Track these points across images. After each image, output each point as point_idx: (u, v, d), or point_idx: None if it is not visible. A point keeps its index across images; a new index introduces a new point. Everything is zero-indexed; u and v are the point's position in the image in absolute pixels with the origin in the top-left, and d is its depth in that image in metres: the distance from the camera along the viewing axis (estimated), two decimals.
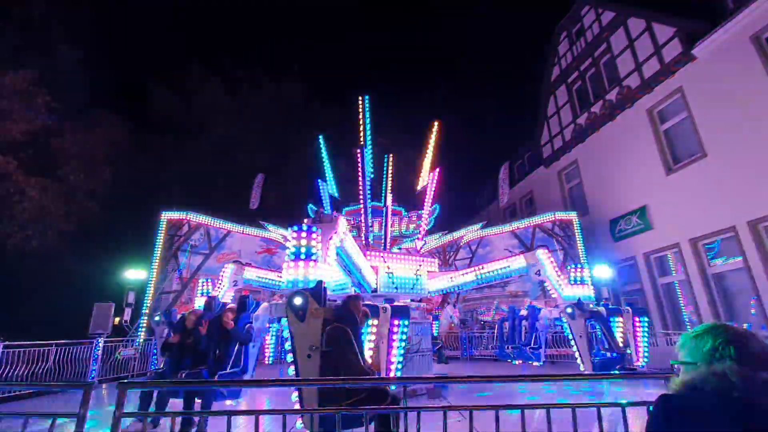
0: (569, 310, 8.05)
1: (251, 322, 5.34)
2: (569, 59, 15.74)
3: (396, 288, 8.13)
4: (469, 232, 15.54)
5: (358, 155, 8.49)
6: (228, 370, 4.94)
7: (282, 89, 26.36)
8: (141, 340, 10.92)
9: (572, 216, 13.95)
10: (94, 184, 17.51)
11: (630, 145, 12.66)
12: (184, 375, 4.86)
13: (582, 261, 12.90)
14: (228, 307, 5.42)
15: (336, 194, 10.62)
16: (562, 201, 15.90)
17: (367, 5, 42.69)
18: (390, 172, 9.51)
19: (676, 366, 1.26)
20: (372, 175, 9.01)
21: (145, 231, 13.59)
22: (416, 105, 38.51)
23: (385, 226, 9.04)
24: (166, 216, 12.89)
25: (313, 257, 4.42)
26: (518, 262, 8.28)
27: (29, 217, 15.42)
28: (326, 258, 4.84)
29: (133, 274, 12.43)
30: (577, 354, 8.13)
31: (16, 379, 7.56)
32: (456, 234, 15.55)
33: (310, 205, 12.90)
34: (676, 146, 11.51)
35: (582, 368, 7.74)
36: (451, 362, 11.47)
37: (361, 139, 8.78)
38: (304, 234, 4.49)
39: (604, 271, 12.34)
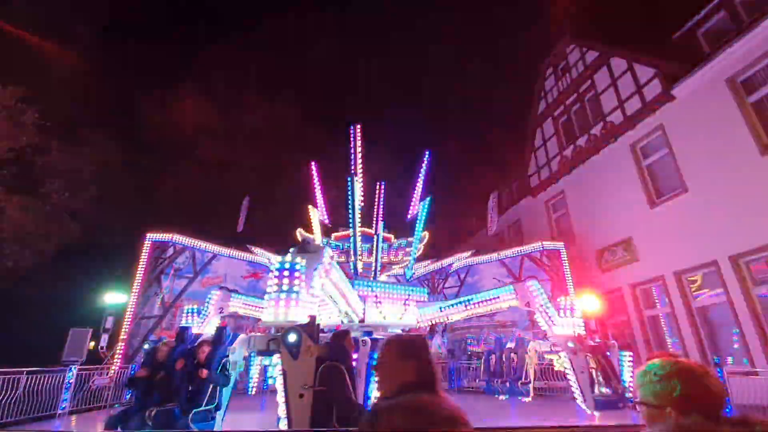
0: (571, 344, 7.61)
1: (227, 356, 5.15)
2: (555, 94, 16.29)
3: (384, 317, 8.03)
4: (458, 260, 15.55)
5: (348, 183, 8.53)
6: (203, 407, 4.74)
7: (274, 112, 26.65)
8: (115, 368, 10.44)
9: (559, 246, 14.10)
10: (78, 203, 17.16)
11: (615, 178, 12.99)
12: (153, 413, 4.64)
13: (569, 291, 12.95)
14: (203, 339, 5.23)
15: (326, 219, 10.59)
16: (549, 230, 16.10)
17: (358, 37, 43.89)
18: (381, 199, 9.56)
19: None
20: (362, 203, 9.01)
21: (129, 252, 13.27)
22: (407, 134, 39.15)
23: (376, 253, 9.00)
24: (151, 237, 12.60)
25: (294, 296, 4.32)
26: (507, 295, 8.11)
27: (7, 236, 14.96)
28: (309, 290, 4.72)
29: (113, 297, 12.02)
30: (576, 390, 7.60)
31: None
32: (445, 261, 15.55)
33: (300, 230, 12.81)
34: (658, 181, 11.85)
35: (583, 406, 7.33)
36: None
37: (352, 166, 8.83)
38: (286, 273, 4.40)
39: (590, 302, 12.38)
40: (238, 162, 23.75)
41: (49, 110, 16.19)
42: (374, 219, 9.59)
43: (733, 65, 9.77)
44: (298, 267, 4.50)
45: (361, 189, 8.92)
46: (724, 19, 10.87)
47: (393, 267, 13.12)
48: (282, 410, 3.82)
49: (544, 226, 16.46)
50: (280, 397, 3.83)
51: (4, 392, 7.58)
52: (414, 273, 11.55)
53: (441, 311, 8.42)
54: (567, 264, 13.71)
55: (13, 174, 15.48)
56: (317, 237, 9.57)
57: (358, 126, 8.96)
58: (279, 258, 4.54)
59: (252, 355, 4.90)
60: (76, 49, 19.77)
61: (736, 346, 9.66)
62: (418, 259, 14.38)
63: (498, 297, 8.11)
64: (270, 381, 4.07)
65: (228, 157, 23.54)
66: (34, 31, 17.65)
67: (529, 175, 17.43)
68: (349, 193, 8.47)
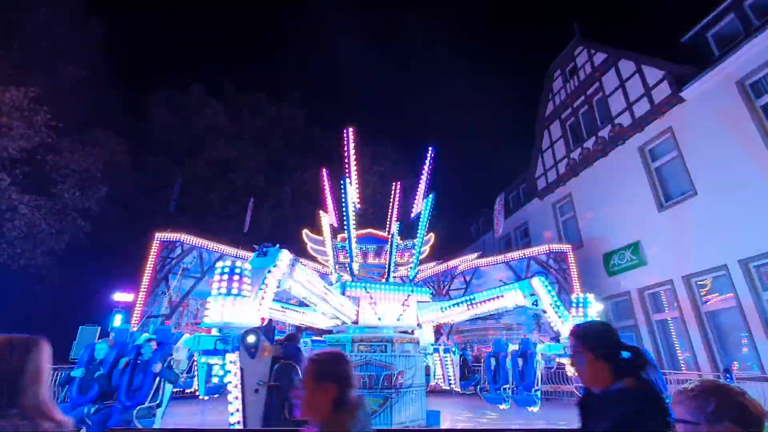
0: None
1: (171, 354, 5.21)
2: (563, 96, 16.23)
3: (380, 319, 7.94)
4: (464, 262, 15.52)
5: (342, 186, 8.76)
6: (146, 404, 4.81)
7: (282, 113, 26.75)
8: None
9: (566, 248, 14.02)
10: (88, 202, 17.36)
11: (622, 181, 12.91)
12: (92, 410, 4.66)
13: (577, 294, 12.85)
14: (149, 338, 5.29)
15: (335, 222, 10.60)
16: (556, 233, 16.02)
17: (367, 36, 44.05)
18: (397, 200, 9.51)
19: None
20: (359, 204, 9.11)
21: (137, 252, 13.41)
22: (415, 136, 39.23)
23: (390, 254, 9.01)
24: (159, 237, 12.75)
25: (238, 298, 4.44)
26: (513, 293, 7.75)
27: (18, 234, 15.18)
28: (259, 293, 4.79)
29: (122, 296, 12.18)
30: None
31: None
32: (450, 263, 15.53)
33: (305, 231, 12.87)
34: (667, 184, 11.75)
35: None
36: (443, 397, 11.22)
37: (347, 169, 8.96)
38: (225, 276, 4.56)
39: (596, 307, 12.29)
40: (245, 162, 23.88)
41: (60, 110, 16.44)
42: (388, 220, 9.52)
43: (743, 68, 9.68)
44: (237, 271, 4.63)
45: (357, 191, 9.03)
46: (733, 22, 10.78)
47: (398, 269, 13.13)
48: (235, 406, 3.96)
49: (551, 229, 16.38)
50: (236, 393, 4.00)
51: None
52: (418, 274, 11.52)
53: (442, 311, 8.22)
54: (574, 267, 13.63)
55: (25, 173, 15.72)
56: (327, 240, 9.59)
57: (350, 129, 9.03)
58: (221, 263, 4.70)
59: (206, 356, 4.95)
60: (87, 48, 20.04)
61: (745, 350, 9.54)
62: (424, 261, 14.39)
63: (502, 296, 7.78)
64: (215, 380, 4.13)
65: (235, 157, 23.69)
66: (45, 32, 17.94)
67: (536, 178, 17.36)
68: (343, 196, 8.70)
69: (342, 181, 8.64)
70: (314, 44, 44.87)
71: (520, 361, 8.34)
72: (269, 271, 5.01)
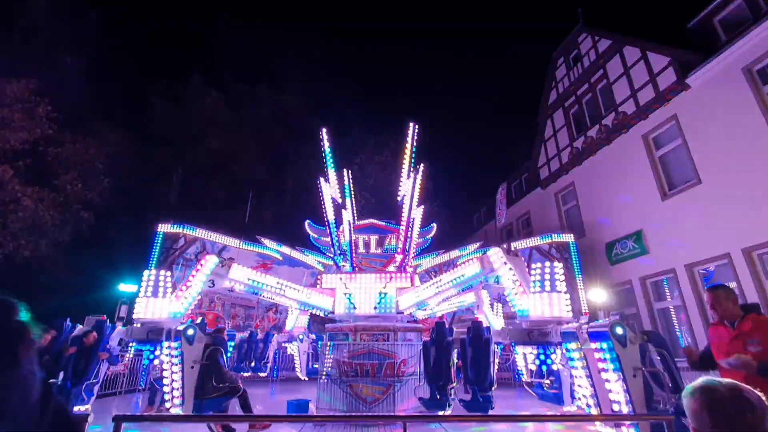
0: (618, 330, 4.61)
1: (109, 344, 6.54)
2: (566, 84, 16.05)
3: (355, 308, 7.94)
4: (465, 253, 15.52)
5: (321, 184, 9.39)
6: (92, 380, 6.27)
7: (282, 104, 26.61)
8: (129, 356, 10.71)
9: (569, 238, 13.99)
10: (91, 194, 17.42)
11: (626, 169, 12.82)
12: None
13: (579, 284, 12.88)
14: (87, 329, 6.48)
15: (339, 198, 10.54)
16: (558, 223, 15.98)
17: (376, 18, 43.57)
18: (419, 184, 9.29)
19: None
20: (340, 200, 9.45)
21: (141, 243, 13.48)
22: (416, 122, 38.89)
23: (406, 240, 9.02)
24: (163, 229, 12.78)
25: (164, 295, 6.30)
26: (473, 267, 6.90)
27: (23, 226, 15.27)
28: (187, 291, 6.46)
29: (127, 287, 12.26)
30: (618, 402, 4.47)
31: None
32: (452, 254, 15.53)
33: (308, 222, 12.88)
34: (671, 172, 11.67)
35: None
36: None
37: (325, 168, 9.17)
38: (152, 281, 6.33)
39: (599, 295, 12.33)
40: (246, 153, 23.82)
41: (60, 102, 16.40)
42: (408, 207, 9.11)
43: (750, 54, 9.53)
44: (162, 276, 6.36)
45: (351, 185, 9.38)
46: (740, 7, 10.57)
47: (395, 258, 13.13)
48: (176, 382, 5.56)
49: (554, 218, 16.34)
50: (176, 369, 5.59)
51: None
52: (417, 265, 11.50)
53: (416, 295, 7.82)
54: (577, 256, 13.62)
55: (27, 165, 15.75)
56: (329, 214, 9.51)
57: (324, 130, 9.13)
58: (147, 271, 6.45)
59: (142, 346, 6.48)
60: (87, 40, 19.92)
61: None
62: (424, 252, 14.39)
63: (464, 274, 7.06)
64: (155, 362, 6.36)
65: (237, 148, 23.62)
66: (46, 24, 17.82)
67: (538, 167, 17.27)
68: (321, 194, 9.31)
69: (324, 179, 9.26)
70: (317, 33, 44.43)
71: (470, 351, 6.26)
72: (194, 275, 6.56)
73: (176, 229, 12.91)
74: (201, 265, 6.59)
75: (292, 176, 24.47)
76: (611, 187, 13.34)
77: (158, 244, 12.51)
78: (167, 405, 5.67)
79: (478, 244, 15.56)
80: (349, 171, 9.55)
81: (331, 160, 9.24)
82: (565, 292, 5.83)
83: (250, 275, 7.25)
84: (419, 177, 9.21)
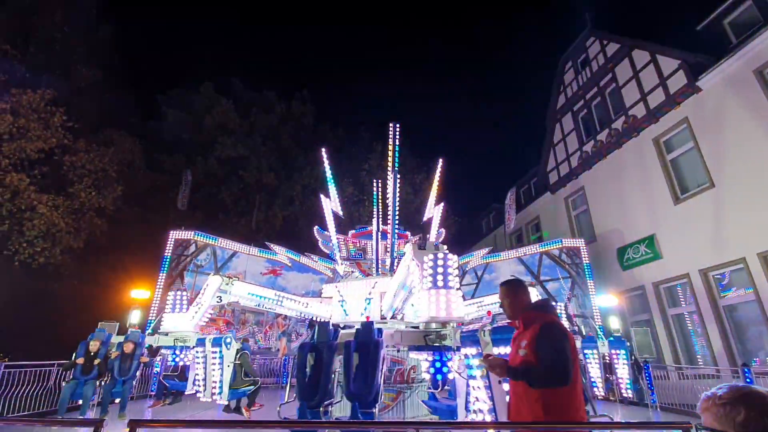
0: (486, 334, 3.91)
1: (143, 351, 8.04)
2: (575, 88, 15.98)
3: (347, 315, 7.90)
4: (475, 258, 15.44)
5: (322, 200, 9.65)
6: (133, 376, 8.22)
7: (291, 111, 26.85)
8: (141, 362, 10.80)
9: (579, 243, 13.84)
10: (105, 201, 17.70)
11: (637, 173, 12.69)
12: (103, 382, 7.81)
13: (590, 290, 12.72)
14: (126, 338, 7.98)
15: (340, 211, 10.57)
16: (568, 228, 15.84)
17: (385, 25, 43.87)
18: (437, 182, 9.30)
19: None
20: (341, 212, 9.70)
21: (152, 250, 13.63)
22: (426, 127, 39.03)
23: (392, 249, 8.99)
24: (174, 235, 12.95)
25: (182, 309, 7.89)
26: (405, 265, 5.87)
27: (38, 233, 15.55)
28: (200, 311, 7.46)
29: (139, 293, 12.42)
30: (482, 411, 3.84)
31: (17, 401, 7.55)
32: (462, 259, 15.46)
33: (316, 227, 12.95)
34: (683, 176, 11.52)
35: None
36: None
37: (326, 185, 9.64)
38: (171, 296, 8.21)
39: (610, 300, 12.16)
40: (256, 160, 24.04)
41: (75, 112, 16.76)
42: (393, 206, 8.87)
43: (761, 56, 9.42)
44: (179, 295, 8.19)
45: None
46: (751, 8, 10.47)
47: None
48: (215, 377, 6.61)
49: (563, 223, 16.20)
50: (216, 368, 6.60)
51: (37, 384, 7.96)
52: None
53: (395, 298, 7.00)
54: (587, 262, 13.46)
55: (43, 174, 16.08)
56: (330, 228, 9.64)
57: (324, 150, 9.65)
58: (170, 293, 8.31)
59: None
60: (102, 51, 20.36)
61: (767, 345, 9.35)
62: None
63: (405, 269, 5.93)
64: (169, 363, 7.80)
65: (246, 154, 23.85)
66: (60, 35, 18.26)
67: (547, 171, 17.16)
68: (325, 210, 9.63)
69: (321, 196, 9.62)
70: (327, 43, 44.87)
71: (356, 358, 5.07)
72: (201, 293, 7.48)
73: (187, 236, 13.07)
74: (206, 285, 7.47)
75: (301, 182, 24.61)
76: (622, 192, 13.20)
77: (170, 251, 12.67)
78: (199, 395, 6.97)
79: (487, 249, 15.48)
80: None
81: (332, 178, 9.59)
82: (458, 289, 4.85)
83: (250, 290, 7.87)
84: (437, 173, 9.37)
